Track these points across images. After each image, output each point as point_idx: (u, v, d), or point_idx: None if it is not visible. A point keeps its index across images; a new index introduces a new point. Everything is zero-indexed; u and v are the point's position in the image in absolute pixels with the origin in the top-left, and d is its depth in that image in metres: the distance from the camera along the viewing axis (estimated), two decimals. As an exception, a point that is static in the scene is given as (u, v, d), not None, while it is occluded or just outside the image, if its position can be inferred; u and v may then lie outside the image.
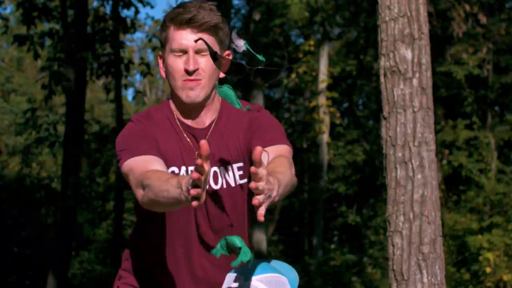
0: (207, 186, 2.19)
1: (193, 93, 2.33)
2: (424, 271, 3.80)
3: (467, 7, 14.88)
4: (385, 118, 3.97)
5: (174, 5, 2.39)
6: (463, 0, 14.92)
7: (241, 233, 2.41)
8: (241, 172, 2.38)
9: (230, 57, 2.39)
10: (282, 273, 2.17)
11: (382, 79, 4.00)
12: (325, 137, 17.81)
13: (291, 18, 17.52)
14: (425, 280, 3.79)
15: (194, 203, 1.85)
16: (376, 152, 18.20)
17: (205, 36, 2.30)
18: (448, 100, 16.52)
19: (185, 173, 2.35)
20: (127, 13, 38.91)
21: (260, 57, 2.38)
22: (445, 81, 16.09)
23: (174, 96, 2.40)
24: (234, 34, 2.34)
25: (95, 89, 29.70)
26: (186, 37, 2.31)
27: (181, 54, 2.33)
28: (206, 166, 1.83)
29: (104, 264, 17.46)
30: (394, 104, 3.94)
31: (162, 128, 2.38)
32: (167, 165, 2.29)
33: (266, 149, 2.29)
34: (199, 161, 1.82)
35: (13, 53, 32.15)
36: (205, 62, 2.32)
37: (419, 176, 3.87)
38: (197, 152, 2.35)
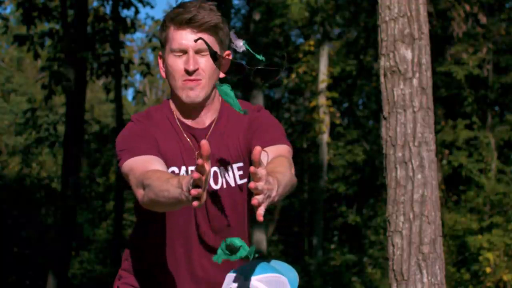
0: (207, 186, 2.18)
1: (193, 93, 2.33)
2: (424, 271, 3.80)
3: (467, 7, 14.88)
4: (385, 118, 3.97)
5: (174, 5, 2.39)
6: (463, 0, 14.92)
7: (241, 233, 2.41)
8: (241, 172, 2.38)
9: (230, 57, 2.39)
10: (282, 273, 2.17)
11: (382, 79, 4.00)
12: (325, 137, 17.81)
13: (291, 18, 17.52)
14: (425, 280, 3.79)
15: (195, 203, 1.85)
16: (376, 152, 18.20)
17: (205, 36, 2.31)
18: (448, 100, 16.52)
19: (185, 173, 2.35)
20: (127, 13, 38.92)
21: (260, 57, 2.38)
22: (445, 81, 16.09)
23: (174, 96, 2.40)
24: (232, 34, 2.34)
25: (95, 89, 29.69)
26: (186, 37, 2.31)
27: (181, 54, 2.33)
28: (206, 166, 1.83)
29: (104, 264, 17.46)
30: (394, 104, 3.94)
31: (162, 128, 2.38)
32: (167, 165, 2.29)
33: (266, 149, 2.29)
34: (200, 161, 1.82)
35: (13, 53, 32.15)
36: (205, 62, 2.32)
37: (419, 176, 3.87)
38: (197, 152, 2.36)
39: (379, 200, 17.99)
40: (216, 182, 2.36)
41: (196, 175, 1.82)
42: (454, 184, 15.85)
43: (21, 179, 18.51)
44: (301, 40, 20.69)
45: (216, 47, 2.33)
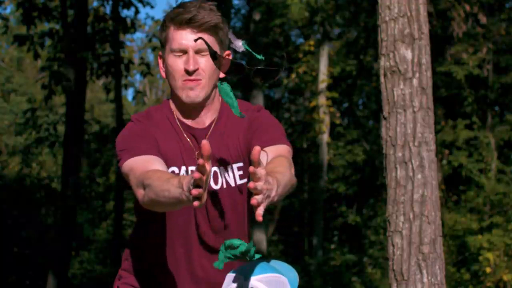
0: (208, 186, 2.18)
1: (193, 93, 2.33)
2: (424, 271, 3.80)
3: (467, 7, 14.88)
4: (385, 118, 3.97)
5: (174, 5, 2.39)
6: (463, 0, 14.92)
7: (241, 233, 2.41)
8: (241, 172, 2.38)
9: (230, 57, 2.39)
10: (282, 273, 2.17)
11: (382, 79, 4.00)
12: (325, 137, 17.81)
13: (291, 18, 17.52)
14: (425, 280, 3.79)
15: (196, 203, 1.85)
16: (376, 152, 18.20)
17: (205, 36, 2.30)
18: (448, 100, 16.52)
19: (185, 173, 2.35)
20: (127, 13, 38.92)
21: (259, 57, 2.38)
22: (445, 81, 16.09)
23: (174, 96, 2.40)
24: (231, 34, 2.34)
25: (95, 89, 29.69)
26: (186, 37, 2.31)
27: (181, 54, 2.33)
28: (207, 166, 1.83)
29: (104, 264, 17.46)
30: (394, 104, 3.94)
31: (162, 128, 2.38)
32: (167, 165, 2.29)
33: (265, 149, 2.29)
34: (200, 161, 1.82)
35: (13, 53, 32.15)
36: (205, 62, 2.32)
37: (419, 176, 3.87)
38: (197, 152, 2.36)
39: (379, 200, 17.99)
40: (216, 182, 2.36)
41: (197, 175, 1.82)
42: (454, 184, 15.85)
43: (21, 179, 18.51)
44: (301, 40, 20.70)
45: (216, 47, 2.33)
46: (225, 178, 2.37)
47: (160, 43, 2.40)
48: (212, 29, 2.32)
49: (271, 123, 2.41)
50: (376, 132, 18.75)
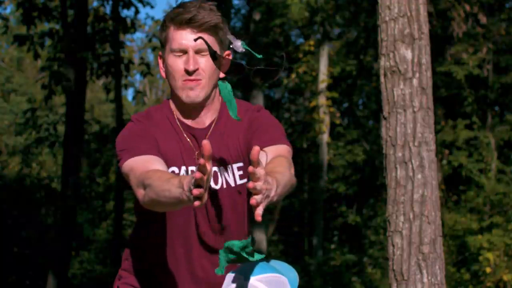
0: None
1: (193, 93, 2.33)
2: (424, 271, 3.80)
3: (467, 7, 14.88)
4: (385, 118, 3.97)
5: (174, 5, 2.39)
6: (463, 0, 14.92)
7: (241, 233, 2.41)
8: (241, 172, 2.38)
9: (230, 57, 2.39)
10: (282, 273, 2.17)
11: (382, 79, 4.00)
12: (325, 137, 17.81)
13: (291, 18, 17.52)
14: (425, 280, 3.79)
15: (197, 203, 1.85)
16: (376, 152, 18.20)
17: (205, 36, 2.30)
18: (448, 100, 16.52)
19: (185, 173, 2.35)
20: (127, 13, 38.90)
21: (258, 55, 2.38)
22: (445, 81, 16.09)
23: (174, 96, 2.40)
24: (230, 35, 2.34)
25: (95, 89, 29.69)
26: (186, 37, 2.31)
27: (181, 54, 2.33)
28: (208, 166, 1.83)
29: (104, 264, 17.46)
30: (394, 104, 3.94)
31: (162, 128, 2.38)
32: (167, 165, 2.29)
33: (265, 149, 2.29)
34: (201, 160, 1.82)
35: (13, 53, 32.15)
36: (205, 62, 2.32)
37: (419, 176, 3.87)
38: (197, 152, 2.36)
39: (379, 200, 17.99)
40: (216, 182, 2.36)
41: (198, 175, 1.82)
42: (454, 184, 15.85)
43: (21, 179, 18.51)
44: (301, 40, 20.70)
45: (216, 47, 2.33)
46: (225, 178, 2.37)
47: (160, 43, 2.40)
48: (212, 29, 2.32)
49: (271, 123, 2.41)
50: (376, 132, 18.75)
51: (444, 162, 15.41)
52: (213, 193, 2.35)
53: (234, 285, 2.12)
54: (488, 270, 11.77)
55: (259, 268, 2.13)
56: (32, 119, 15.17)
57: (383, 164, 3.98)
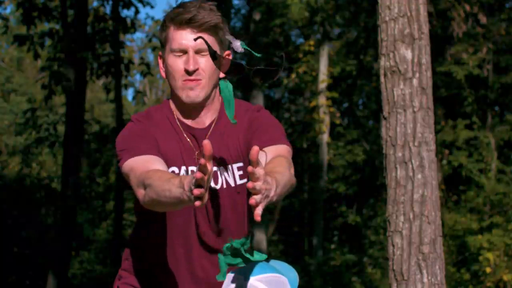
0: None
1: (193, 93, 2.33)
2: (424, 271, 3.80)
3: (467, 7, 14.88)
4: (385, 118, 3.97)
5: (174, 5, 2.39)
6: (463, 0, 14.92)
7: (241, 233, 2.41)
8: (241, 172, 2.38)
9: (230, 57, 2.39)
10: (282, 273, 2.17)
11: (382, 79, 4.00)
12: (325, 137, 17.81)
13: (291, 18, 17.52)
14: (425, 280, 3.79)
15: (197, 203, 1.85)
16: (376, 152, 18.20)
17: (205, 36, 2.30)
18: (448, 100, 16.52)
19: (185, 173, 2.35)
20: (127, 13, 38.92)
21: (257, 54, 2.38)
22: (445, 81, 16.09)
23: (174, 96, 2.40)
24: (229, 35, 2.34)
25: (95, 89, 29.69)
26: (186, 37, 2.31)
27: (181, 54, 2.33)
28: (209, 166, 1.83)
29: (104, 264, 17.46)
30: (394, 104, 3.94)
31: (162, 128, 2.38)
32: (167, 165, 2.29)
33: (265, 149, 2.29)
34: (202, 160, 1.82)
35: (13, 53, 32.15)
36: (205, 62, 2.32)
37: (419, 176, 3.87)
38: (197, 152, 2.36)
39: (379, 200, 17.99)
40: (216, 182, 2.36)
41: (199, 174, 1.82)
42: (454, 184, 15.85)
43: (21, 179, 18.51)
44: (301, 40, 20.70)
45: (216, 47, 2.33)
46: (225, 178, 2.37)
47: (160, 43, 2.40)
48: (212, 29, 2.32)
49: (271, 123, 2.41)
50: (376, 132, 18.75)
51: (444, 162, 15.41)
52: (213, 193, 2.35)
53: (234, 285, 2.12)
54: (488, 270, 11.77)
55: (259, 268, 2.13)
56: (32, 119, 15.17)
57: (383, 164, 3.98)
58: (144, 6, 14.42)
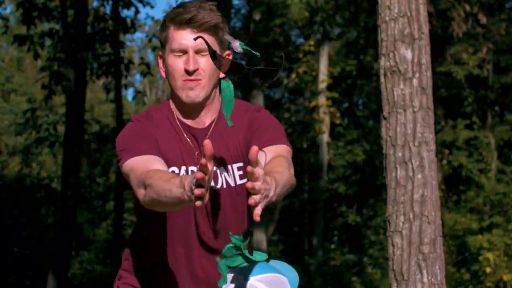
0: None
1: (193, 93, 2.33)
2: (424, 271, 3.80)
3: (467, 7, 14.88)
4: (385, 118, 3.97)
5: (174, 5, 2.39)
6: (463, 0, 14.92)
7: (241, 231, 2.41)
8: (241, 172, 2.38)
9: (230, 57, 2.39)
10: (282, 273, 2.17)
11: (382, 79, 4.00)
12: (325, 137, 17.81)
13: (291, 18, 17.52)
14: (425, 280, 3.79)
15: (198, 202, 1.86)
16: (376, 152, 18.20)
17: (205, 36, 2.30)
18: (448, 100, 16.52)
19: (185, 173, 2.35)
20: (127, 13, 38.92)
21: (257, 54, 2.38)
22: (445, 81, 16.09)
23: (174, 96, 2.40)
24: (229, 36, 2.34)
25: (95, 89, 29.69)
26: (186, 37, 2.31)
27: (181, 54, 2.33)
28: (210, 166, 1.83)
29: (104, 264, 17.46)
30: (394, 104, 3.94)
31: (162, 128, 2.38)
32: (167, 165, 2.29)
33: (265, 149, 2.29)
34: (203, 160, 1.82)
35: (13, 53, 32.15)
36: (205, 62, 2.32)
37: (419, 176, 3.87)
38: (197, 152, 2.36)
39: (379, 200, 17.99)
40: (216, 182, 2.36)
41: (200, 174, 1.82)
42: (454, 184, 15.85)
43: (21, 179, 18.51)
44: (301, 40, 20.70)
45: (216, 47, 2.33)
46: (225, 178, 2.37)
47: (160, 43, 2.40)
48: (212, 29, 2.33)
49: (271, 123, 2.40)
50: (376, 132, 18.75)
51: (444, 162, 15.41)
52: (213, 193, 2.35)
53: (234, 285, 2.12)
54: (488, 270, 11.77)
55: (259, 268, 2.13)
56: (32, 119, 15.17)
57: (383, 164, 3.98)
58: (144, 6, 14.42)
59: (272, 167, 2.12)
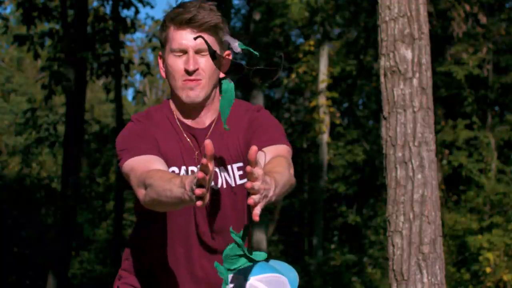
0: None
1: (193, 93, 2.33)
2: (424, 271, 3.80)
3: (467, 7, 14.88)
4: (385, 118, 3.97)
5: (174, 5, 2.39)
6: (463, 0, 14.92)
7: (241, 229, 2.41)
8: (240, 172, 2.38)
9: (230, 57, 2.39)
10: (282, 273, 2.17)
11: (382, 79, 4.00)
12: (325, 137, 17.82)
13: (291, 18, 17.53)
14: (425, 280, 3.79)
15: (199, 202, 1.86)
16: (376, 152, 18.20)
17: (205, 36, 2.30)
18: (448, 100, 16.52)
19: (185, 173, 2.35)
20: (127, 13, 38.93)
21: (256, 53, 2.38)
22: (445, 81, 16.10)
23: (174, 96, 2.40)
24: (228, 36, 2.34)
25: (95, 89, 29.69)
26: (186, 37, 2.31)
27: (181, 54, 2.33)
28: (210, 166, 1.83)
29: (104, 264, 17.46)
30: (394, 104, 3.94)
31: (162, 128, 2.38)
32: (167, 165, 2.29)
33: (265, 149, 2.29)
34: (204, 160, 1.82)
35: (13, 53, 32.16)
36: (205, 62, 2.32)
37: (419, 176, 3.87)
38: (197, 152, 2.36)
39: (379, 200, 17.99)
40: (216, 182, 2.36)
41: (201, 174, 1.82)
42: (454, 184, 15.85)
43: (21, 179, 18.51)
44: (301, 40, 20.70)
45: (216, 47, 2.33)
46: (225, 178, 2.37)
47: (160, 43, 2.40)
48: (212, 29, 2.33)
49: (271, 123, 2.40)
50: (376, 132, 18.75)
51: (444, 162, 15.41)
52: (213, 193, 2.35)
53: (234, 285, 2.12)
54: (488, 270, 11.77)
55: (259, 268, 2.13)
56: (32, 119, 15.17)
57: (383, 164, 3.98)
58: (144, 6, 14.42)
59: (272, 167, 2.12)
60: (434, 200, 3.87)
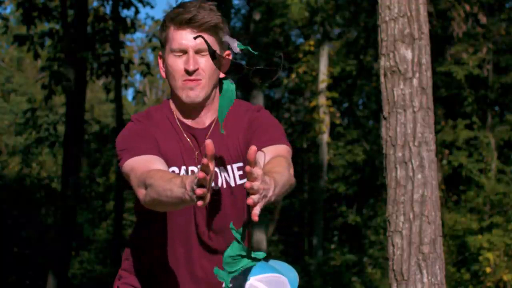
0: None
1: (193, 93, 2.33)
2: (424, 271, 3.80)
3: (467, 7, 14.88)
4: (385, 118, 3.97)
5: (174, 5, 2.39)
6: (463, 0, 14.92)
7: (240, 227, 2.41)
8: (240, 172, 2.38)
9: (230, 57, 2.39)
10: (282, 273, 2.17)
11: (382, 79, 4.00)
12: (325, 137, 17.82)
13: (291, 18, 17.52)
14: (425, 280, 3.79)
15: (200, 202, 1.86)
16: (376, 152, 18.20)
17: (205, 36, 2.31)
18: (448, 100, 16.52)
19: (185, 173, 2.35)
20: (127, 13, 38.91)
21: (255, 52, 2.38)
22: (445, 81, 16.10)
23: (174, 96, 2.40)
24: (227, 37, 2.34)
25: (95, 89, 29.69)
26: (186, 37, 2.31)
27: (181, 54, 2.33)
28: (211, 166, 1.83)
29: (104, 264, 17.46)
30: (394, 104, 3.94)
31: (162, 128, 2.38)
32: (167, 165, 2.29)
33: (264, 149, 2.29)
34: (204, 160, 1.82)
35: (13, 53, 32.16)
36: (205, 62, 2.32)
37: (419, 176, 3.87)
38: (197, 152, 2.36)
39: (379, 200, 17.99)
40: (216, 182, 2.36)
41: (201, 174, 1.82)
42: (454, 184, 15.85)
43: (21, 179, 18.51)
44: (301, 40, 20.70)
45: (216, 47, 2.33)
46: (225, 178, 2.37)
47: (160, 43, 2.41)
48: (212, 29, 2.33)
49: (271, 123, 2.40)
50: (376, 132, 18.75)
51: (444, 162, 15.41)
52: (213, 193, 2.35)
53: (234, 285, 2.12)
54: (488, 270, 11.77)
55: (259, 268, 2.13)
56: (32, 119, 15.17)
57: (383, 164, 3.98)
58: (144, 6, 14.43)
59: (272, 167, 2.12)
60: (434, 200, 3.87)
